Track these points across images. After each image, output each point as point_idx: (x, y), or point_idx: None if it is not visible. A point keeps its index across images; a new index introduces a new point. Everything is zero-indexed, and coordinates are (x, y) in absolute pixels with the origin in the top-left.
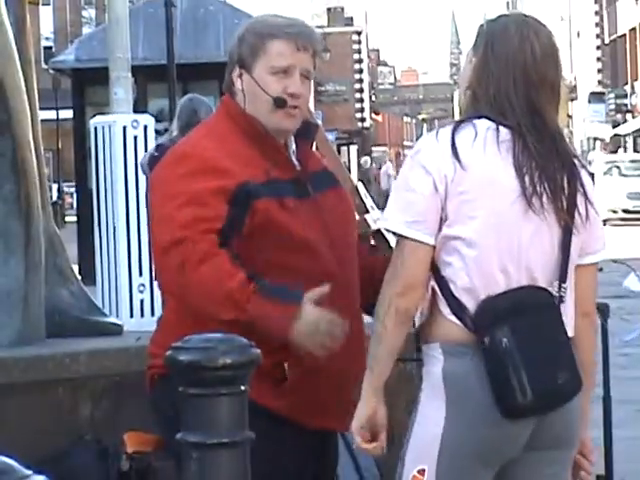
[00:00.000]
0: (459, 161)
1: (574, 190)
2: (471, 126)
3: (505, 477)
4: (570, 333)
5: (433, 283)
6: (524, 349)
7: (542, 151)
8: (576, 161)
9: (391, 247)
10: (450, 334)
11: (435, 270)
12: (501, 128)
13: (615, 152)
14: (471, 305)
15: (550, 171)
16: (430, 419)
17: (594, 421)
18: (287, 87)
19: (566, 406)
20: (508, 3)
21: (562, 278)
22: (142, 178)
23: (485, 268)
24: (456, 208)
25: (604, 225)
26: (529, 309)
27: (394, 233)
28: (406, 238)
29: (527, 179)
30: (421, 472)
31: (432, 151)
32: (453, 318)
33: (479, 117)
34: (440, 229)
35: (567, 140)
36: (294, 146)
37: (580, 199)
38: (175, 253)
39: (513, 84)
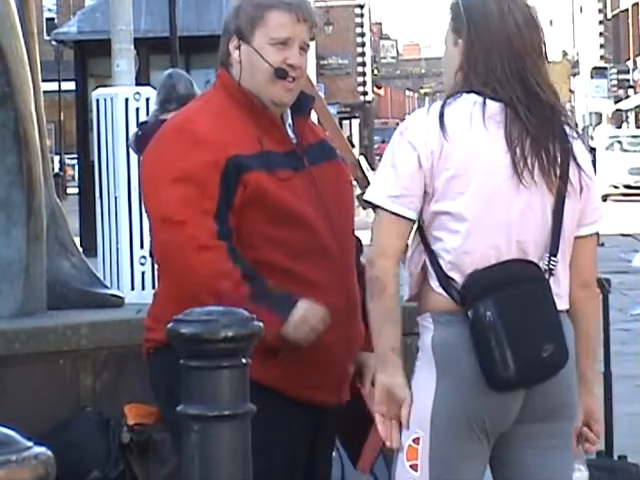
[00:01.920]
0: (446, 136)
1: (566, 160)
2: (461, 101)
3: (500, 452)
4: (564, 305)
5: (424, 257)
6: (508, 322)
7: (534, 121)
8: (568, 130)
9: None
10: (439, 305)
11: (425, 245)
12: (490, 102)
13: (619, 127)
14: (459, 279)
15: (542, 141)
16: (422, 388)
17: None
18: (287, 58)
19: (557, 378)
20: None
21: (553, 251)
22: None
23: (475, 244)
24: (445, 183)
25: (605, 201)
26: (515, 282)
27: (376, 206)
28: (387, 211)
29: (518, 151)
30: (416, 441)
31: (420, 127)
32: (441, 291)
33: (469, 92)
34: (428, 205)
35: (561, 107)
36: (290, 119)
37: (573, 169)
38: (173, 232)
39: (500, 59)
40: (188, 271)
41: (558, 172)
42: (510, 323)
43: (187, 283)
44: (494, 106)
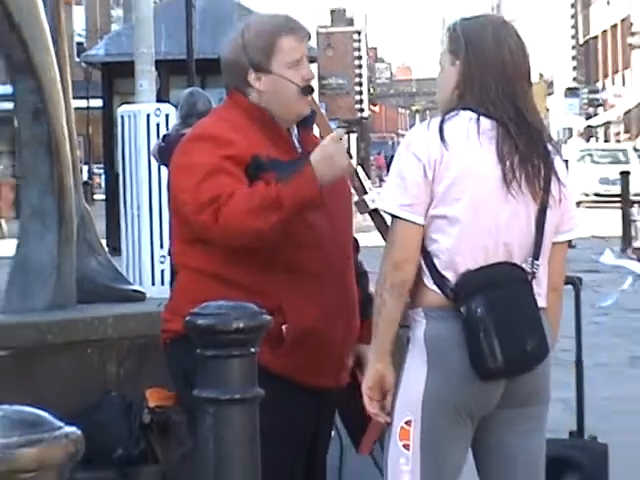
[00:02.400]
0: (447, 146)
1: (549, 174)
2: (457, 117)
3: (482, 435)
4: (543, 304)
5: (420, 257)
6: (496, 318)
7: (523, 139)
8: (550, 147)
9: (387, 224)
10: (432, 301)
11: (422, 245)
12: (484, 119)
13: (588, 141)
14: (452, 277)
15: (529, 157)
16: (414, 376)
17: (568, 384)
18: (304, 75)
19: (536, 369)
20: (493, 8)
21: (536, 255)
22: None
23: (466, 245)
24: (444, 190)
25: (578, 207)
26: (503, 283)
27: (389, 214)
28: (399, 218)
29: (507, 165)
30: (408, 423)
31: (423, 140)
32: (435, 288)
33: (464, 109)
34: (428, 209)
35: (544, 126)
36: (296, 132)
37: (554, 182)
38: (209, 207)
39: (494, 81)
40: (234, 215)
41: (542, 185)
42: (498, 319)
43: (240, 224)
44: (487, 123)
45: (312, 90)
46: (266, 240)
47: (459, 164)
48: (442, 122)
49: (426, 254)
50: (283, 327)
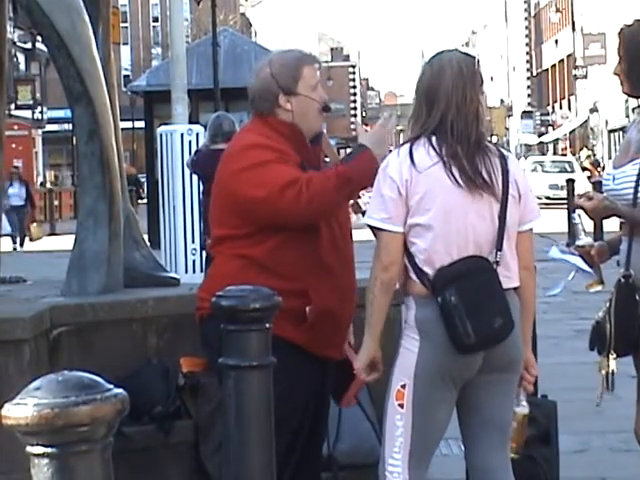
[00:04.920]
0: (416, 168)
1: (506, 178)
2: (422, 142)
3: (465, 395)
4: (513, 284)
5: (405, 257)
6: (467, 304)
7: (479, 154)
8: (505, 152)
9: None
10: (417, 290)
11: (406, 248)
12: (443, 142)
13: (544, 154)
14: (430, 272)
15: (486, 168)
16: (409, 349)
17: None
18: (322, 96)
19: (509, 341)
20: (462, 45)
21: (499, 247)
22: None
23: (440, 246)
24: (416, 203)
25: None
26: (471, 274)
27: (376, 227)
28: (383, 230)
29: (468, 177)
30: (403, 386)
31: (396, 164)
32: (418, 281)
33: (427, 134)
34: (407, 219)
35: (491, 141)
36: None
37: (512, 184)
38: (291, 188)
39: (450, 112)
40: (317, 195)
41: (501, 188)
42: (469, 305)
43: (321, 199)
44: (446, 144)
45: (329, 109)
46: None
47: (426, 182)
48: (410, 148)
49: (409, 254)
50: (307, 308)
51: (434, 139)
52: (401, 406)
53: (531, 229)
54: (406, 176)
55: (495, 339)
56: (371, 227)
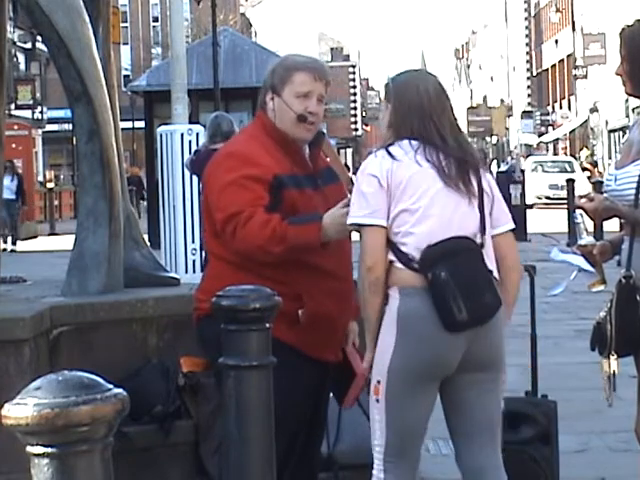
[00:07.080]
0: (395, 158)
1: (479, 178)
2: (397, 144)
3: (451, 397)
4: (495, 273)
5: (388, 249)
6: (457, 279)
7: (451, 153)
8: (480, 156)
9: None
10: (403, 279)
11: (390, 242)
12: (416, 143)
13: (544, 154)
14: (417, 254)
15: (462, 165)
16: (384, 346)
17: (523, 352)
18: (307, 107)
19: (490, 334)
20: (462, 46)
21: (482, 231)
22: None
23: (425, 227)
24: (401, 190)
25: (531, 208)
26: (458, 251)
27: (358, 225)
28: (365, 226)
29: (445, 173)
30: (379, 382)
31: (374, 163)
32: (403, 267)
33: (400, 139)
34: (390, 209)
35: (469, 144)
36: (307, 150)
37: (485, 184)
38: (231, 223)
39: (416, 119)
40: (248, 237)
41: (475, 185)
42: (459, 280)
43: (251, 244)
44: (419, 145)
45: (305, 119)
46: (272, 260)
47: (408, 169)
48: (387, 148)
49: (393, 245)
50: (299, 311)
51: (410, 141)
52: (377, 401)
53: (511, 231)
54: (387, 166)
55: (485, 313)
56: (357, 229)
